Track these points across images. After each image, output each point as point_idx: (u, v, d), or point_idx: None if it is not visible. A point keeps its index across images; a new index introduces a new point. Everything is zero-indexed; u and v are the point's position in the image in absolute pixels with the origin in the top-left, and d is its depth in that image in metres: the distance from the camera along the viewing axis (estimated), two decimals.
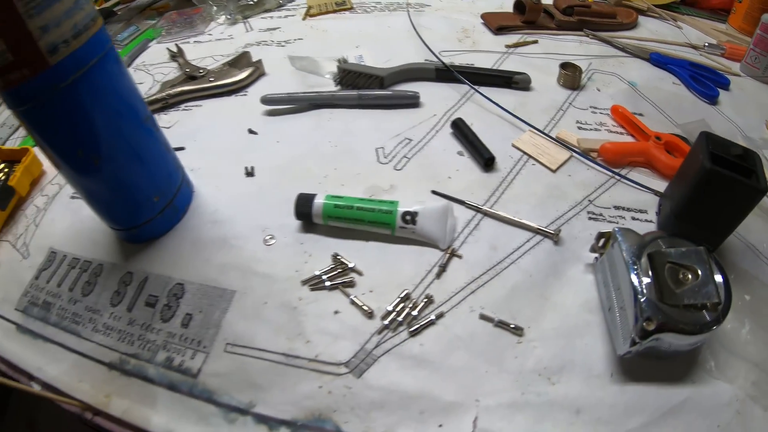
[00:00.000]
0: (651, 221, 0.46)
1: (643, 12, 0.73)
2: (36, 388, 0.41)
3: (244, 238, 0.46)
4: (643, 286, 0.35)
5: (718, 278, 0.36)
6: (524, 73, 0.57)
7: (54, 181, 0.59)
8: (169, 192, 0.47)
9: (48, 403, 0.41)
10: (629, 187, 0.49)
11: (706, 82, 0.61)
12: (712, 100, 0.60)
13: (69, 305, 0.45)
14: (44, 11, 0.32)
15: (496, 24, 0.67)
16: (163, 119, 0.59)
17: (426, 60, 0.61)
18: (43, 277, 0.47)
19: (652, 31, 0.70)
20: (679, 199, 0.42)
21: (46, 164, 0.61)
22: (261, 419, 0.36)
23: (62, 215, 0.52)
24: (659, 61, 0.63)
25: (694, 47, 0.67)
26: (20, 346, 0.43)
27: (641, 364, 0.37)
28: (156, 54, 0.72)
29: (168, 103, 0.60)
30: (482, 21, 0.69)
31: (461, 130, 0.51)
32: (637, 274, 0.36)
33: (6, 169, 0.58)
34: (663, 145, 0.51)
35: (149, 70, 0.68)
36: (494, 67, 0.61)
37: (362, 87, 0.57)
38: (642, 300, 0.35)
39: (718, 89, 0.60)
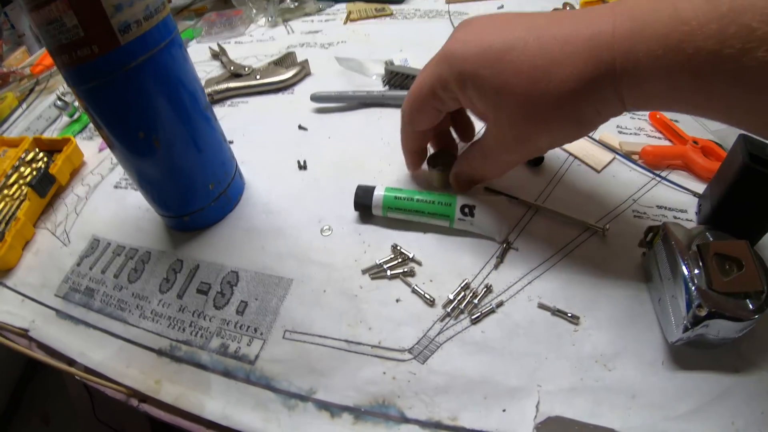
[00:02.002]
0: (691, 220, 0.47)
1: None
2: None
3: (300, 228, 0.46)
4: (694, 275, 0.36)
5: (760, 269, 0.37)
6: None
7: (96, 171, 0.59)
8: (224, 181, 0.47)
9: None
10: (669, 188, 0.50)
11: None
12: None
13: (114, 291, 0.44)
14: None
15: None
16: None
17: None
18: (85, 264, 0.47)
19: None
20: (718, 198, 0.43)
21: (87, 155, 0.61)
22: (322, 405, 0.36)
23: (105, 204, 0.52)
24: None
25: None
26: (61, 331, 0.43)
27: (689, 353, 0.37)
28: (197, 53, 0.73)
29: (213, 98, 0.61)
30: None
31: None
32: (687, 265, 0.37)
33: (45, 159, 0.58)
34: (700, 149, 0.52)
35: None
36: None
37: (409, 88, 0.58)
38: (693, 288, 0.35)
39: None
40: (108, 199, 0.53)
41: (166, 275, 0.44)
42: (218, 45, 0.70)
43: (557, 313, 0.39)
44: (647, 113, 0.57)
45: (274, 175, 0.51)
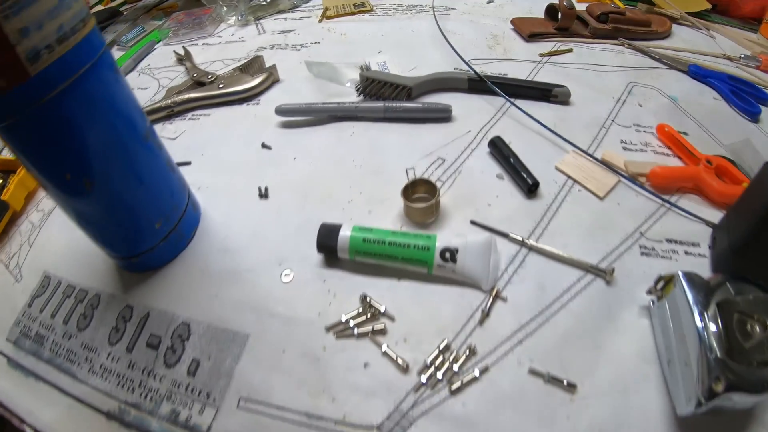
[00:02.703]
0: (704, 255, 0.40)
1: (675, 20, 0.66)
2: None
3: (258, 271, 0.39)
4: (712, 341, 0.30)
5: None
6: (563, 86, 0.51)
7: None
8: (174, 216, 0.40)
9: None
10: (680, 216, 0.43)
11: (746, 98, 0.54)
12: (754, 117, 0.53)
13: (63, 340, 0.39)
14: (22, 11, 0.26)
15: (527, 30, 0.59)
16: (167, 129, 0.52)
17: (456, 69, 0.54)
18: (36, 305, 0.41)
19: (686, 40, 0.63)
20: (739, 234, 0.36)
21: None
22: None
23: (58, 234, 0.45)
24: (698, 73, 0.57)
25: (730, 59, 0.60)
26: (11, 384, 0.38)
27: (702, 422, 0.31)
28: (162, 57, 0.65)
29: (173, 111, 0.53)
30: (512, 27, 0.62)
31: (500, 150, 0.45)
32: (704, 327, 0.30)
33: (0, 181, 0.51)
34: (714, 170, 0.45)
35: (155, 74, 0.61)
36: (529, 78, 0.54)
37: (387, 98, 0.51)
38: (711, 357, 0.29)
39: (760, 105, 0.54)
40: (61, 227, 0.47)
41: (116, 324, 0.39)
42: (183, 48, 0.62)
43: (551, 380, 0.33)
44: (654, 127, 0.49)
45: (233, 205, 0.44)
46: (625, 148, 0.48)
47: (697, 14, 0.67)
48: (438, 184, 0.43)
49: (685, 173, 0.45)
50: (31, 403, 0.36)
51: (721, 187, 0.44)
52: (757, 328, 0.30)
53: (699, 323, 0.31)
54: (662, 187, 0.45)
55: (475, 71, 0.52)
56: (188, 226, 0.42)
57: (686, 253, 0.40)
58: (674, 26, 0.65)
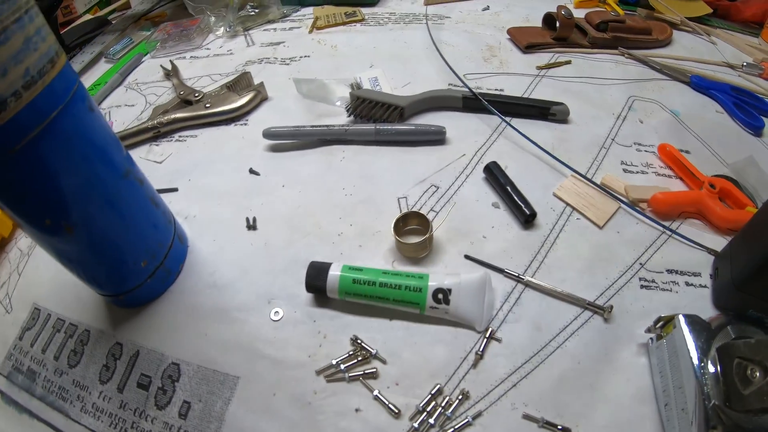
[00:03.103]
0: (705, 286, 0.38)
1: (676, 26, 0.63)
2: None
3: (248, 309, 0.38)
4: (710, 387, 0.29)
5: None
6: (562, 103, 0.48)
7: None
8: (160, 253, 0.39)
9: None
10: (681, 244, 0.41)
11: (749, 110, 0.52)
12: (757, 131, 0.51)
13: (55, 377, 0.38)
14: None
15: (524, 41, 0.57)
16: (154, 151, 0.50)
17: (450, 84, 0.52)
18: (27, 338, 0.41)
19: (688, 48, 0.61)
20: (742, 266, 0.34)
21: None
22: None
23: (46, 263, 0.44)
24: (700, 85, 0.54)
25: (732, 67, 0.58)
26: (6, 420, 0.37)
27: None
28: (150, 70, 0.62)
29: (160, 132, 0.51)
30: (508, 37, 0.59)
31: (496, 177, 0.43)
32: (702, 374, 0.29)
33: None
34: (717, 193, 0.43)
35: (142, 90, 0.59)
36: (526, 94, 0.51)
37: (379, 119, 0.48)
38: (708, 405, 0.28)
39: (763, 118, 0.51)
40: (50, 257, 0.45)
41: (106, 361, 0.38)
42: (171, 62, 0.59)
43: (546, 425, 0.31)
44: (656, 146, 0.47)
45: (221, 236, 0.43)
46: (625, 170, 0.46)
47: (697, 19, 0.64)
48: (431, 215, 0.41)
49: (688, 198, 0.43)
50: None
51: (724, 212, 0.42)
52: (758, 374, 0.28)
53: (698, 370, 0.29)
54: (664, 213, 0.43)
55: (469, 88, 0.49)
56: (175, 260, 0.41)
57: (687, 284, 0.39)
58: (675, 33, 0.62)
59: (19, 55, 0.26)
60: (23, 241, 0.48)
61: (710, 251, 0.40)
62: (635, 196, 0.43)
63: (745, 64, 0.58)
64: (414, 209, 0.39)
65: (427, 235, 0.37)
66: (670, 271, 0.39)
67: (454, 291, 0.35)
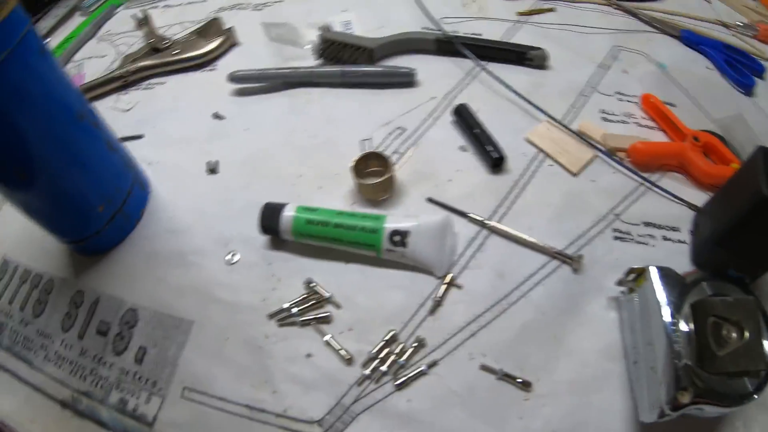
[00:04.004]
0: (684, 242, 0.35)
1: None
2: None
3: (204, 253, 0.36)
4: (682, 347, 0.26)
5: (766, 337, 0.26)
6: (540, 48, 0.44)
7: None
8: (118, 198, 0.36)
9: None
10: (660, 197, 0.38)
11: (741, 69, 0.48)
12: (748, 90, 0.47)
13: (20, 327, 0.37)
14: None
15: None
16: (122, 100, 0.47)
17: (424, 28, 0.47)
18: None
19: (681, 3, 0.56)
20: (723, 223, 0.32)
21: None
22: None
23: (14, 216, 0.41)
24: (691, 40, 0.50)
25: (726, 25, 0.53)
26: None
27: (662, 427, 0.27)
28: (122, 22, 0.59)
29: (128, 80, 0.47)
30: None
31: (465, 120, 0.39)
32: (674, 331, 0.27)
33: None
34: (701, 147, 0.39)
35: (113, 41, 0.55)
36: (505, 40, 0.47)
37: (347, 61, 0.44)
38: (679, 364, 0.26)
39: (755, 78, 0.47)
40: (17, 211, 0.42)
41: (68, 309, 0.36)
42: (143, 12, 0.55)
43: (504, 377, 0.29)
44: (639, 96, 0.43)
45: (181, 182, 0.40)
46: (605, 119, 0.42)
47: None
48: (394, 158, 0.38)
49: (669, 150, 0.40)
50: None
51: (707, 167, 0.39)
52: (734, 334, 0.26)
53: (669, 327, 0.27)
54: (643, 164, 0.39)
55: (443, 30, 0.45)
56: (135, 206, 0.38)
57: (665, 238, 0.36)
58: None
59: None
60: None
61: (691, 206, 0.37)
62: (613, 144, 0.39)
63: (739, 23, 0.54)
64: (379, 151, 0.36)
65: (386, 176, 0.34)
66: (647, 224, 0.36)
67: (412, 233, 0.31)
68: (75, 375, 0.34)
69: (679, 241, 0.35)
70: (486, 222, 0.34)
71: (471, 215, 0.34)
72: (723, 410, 0.26)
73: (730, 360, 0.25)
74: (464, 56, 0.44)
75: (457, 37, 0.45)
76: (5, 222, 0.42)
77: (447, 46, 0.45)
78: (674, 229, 0.36)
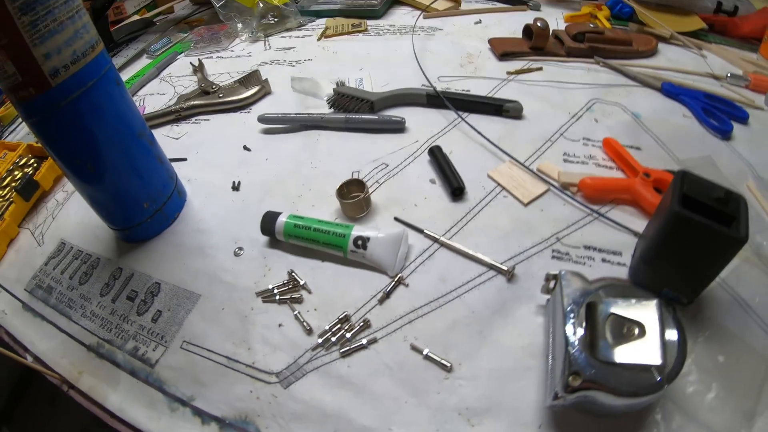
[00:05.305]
0: (624, 264, 0.43)
1: (665, 40, 0.67)
2: (29, 360, 0.47)
3: (218, 247, 0.50)
4: (576, 337, 0.33)
5: (672, 336, 0.33)
6: (515, 101, 0.56)
7: None
8: (160, 199, 0.52)
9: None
10: (607, 227, 0.46)
11: (720, 116, 0.55)
12: (725, 135, 0.54)
13: (67, 291, 0.51)
14: (47, 41, 0.38)
15: (501, 49, 0.65)
16: (174, 130, 0.66)
17: (424, 85, 0.61)
18: (51, 264, 0.54)
19: (672, 59, 0.65)
20: (648, 242, 0.38)
21: None
22: (197, 412, 0.40)
23: (76, 211, 0.59)
24: (671, 91, 0.58)
25: (716, 78, 0.61)
26: (22, 322, 0.50)
27: (578, 420, 0.35)
28: (182, 67, 0.79)
29: (181, 115, 0.66)
30: (489, 46, 0.68)
31: (437, 158, 0.51)
32: (573, 323, 0.34)
33: (35, 164, 0.66)
34: (651, 182, 0.47)
35: (173, 82, 0.76)
36: (490, 94, 0.59)
37: (353, 110, 0.59)
38: (572, 352, 0.32)
39: (733, 123, 0.54)
40: (79, 206, 0.61)
41: (108, 280, 0.51)
42: (198, 60, 0.76)
43: (428, 357, 0.38)
44: (601, 140, 0.52)
45: (212, 195, 0.55)
46: (566, 160, 0.52)
47: (692, 34, 0.68)
48: (375, 185, 0.51)
49: (618, 184, 0.48)
50: (34, 337, 0.48)
51: (655, 199, 0.46)
52: (635, 331, 0.32)
53: (568, 320, 0.33)
54: (594, 197, 0.48)
55: (433, 87, 0.58)
56: (172, 209, 0.54)
57: (603, 260, 0.44)
58: (662, 46, 0.67)
59: (70, 41, 0.40)
60: (60, 194, 0.64)
61: (636, 234, 0.45)
62: (565, 179, 0.49)
63: (729, 75, 0.61)
64: (360, 179, 0.49)
65: (362, 196, 0.47)
66: (587, 248, 0.44)
67: (372, 240, 0.43)
68: (103, 328, 0.46)
69: (619, 264, 0.43)
70: (438, 238, 0.45)
71: (426, 231, 0.46)
72: (621, 400, 0.31)
73: (623, 353, 0.31)
74: (449, 108, 0.57)
75: (444, 92, 0.58)
76: (67, 214, 0.58)
77: (436, 100, 0.58)
78: (615, 253, 0.44)
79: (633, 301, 0.34)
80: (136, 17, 0.93)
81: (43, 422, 0.87)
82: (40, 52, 0.38)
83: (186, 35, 0.85)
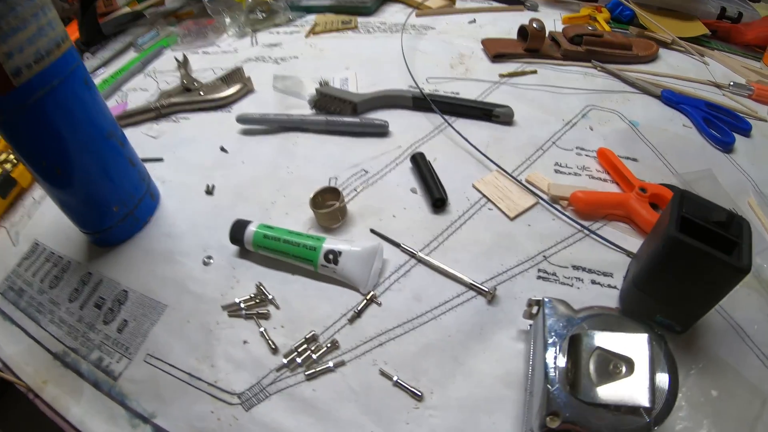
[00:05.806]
0: (614, 287, 0.40)
1: (666, 45, 0.64)
2: None
3: (188, 254, 0.47)
4: (557, 373, 0.30)
5: (662, 374, 0.30)
6: (506, 106, 0.53)
7: None
8: (130, 203, 0.49)
9: None
10: (599, 245, 0.43)
11: (721, 126, 0.53)
12: (726, 147, 0.51)
13: (37, 294, 0.49)
14: (9, 39, 0.35)
15: (494, 51, 0.62)
16: (153, 128, 0.63)
17: (411, 86, 0.59)
18: (24, 266, 0.52)
19: (673, 66, 0.62)
20: (642, 266, 0.36)
21: None
22: (157, 430, 0.37)
23: (50, 210, 0.56)
24: (671, 99, 0.55)
25: (718, 86, 0.58)
26: None
27: None
28: (168, 62, 0.77)
29: (161, 113, 0.63)
30: (482, 47, 0.65)
31: (419, 166, 0.48)
32: (555, 357, 0.31)
33: (14, 161, 0.63)
34: (648, 198, 0.45)
35: (157, 77, 0.73)
36: (480, 98, 0.56)
37: (335, 112, 0.56)
38: (552, 390, 0.29)
39: (735, 135, 0.52)
40: (53, 205, 0.58)
41: (77, 285, 0.49)
42: (183, 55, 0.73)
43: (398, 384, 0.36)
44: (596, 150, 0.49)
45: (185, 198, 0.53)
46: (557, 171, 0.49)
47: (694, 40, 0.65)
48: (352, 193, 0.48)
49: (612, 200, 0.46)
50: (2, 340, 0.46)
51: (651, 216, 0.43)
52: (623, 369, 0.29)
53: (548, 353, 0.31)
54: (585, 212, 0.45)
55: (419, 89, 0.56)
56: (144, 212, 0.51)
57: (593, 282, 0.41)
58: (663, 51, 0.64)
59: (33, 39, 0.37)
60: (38, 192, 0.61)
61: (629, 254, 0.42)
62: (555, 193, 0.46)
63: (732, 83, 0.58)
64: (336, 186, 0.46)
65: (337, 206, 0.44)
66: (576, 267, 0.42)
67: (344, 254, 0.41)
68: (70, 335, 0.44)
69: (609, 286, 0.40)
70: (416, 253, 0.42)
71: (403, 246, 0.43)
72: None
73: (607, 393, 0.28)
74: (436, 112, 0.54)
75: (430, 95, 0.55)
76: (42, 215, 0.56)
77: (422, 102, 0.56)
78: (606, 274, 0.41)
79: (622, 334, 0.30)
80: (127, 9, 0.91)
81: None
82: (1, 50, 0.35)
83: (173, 29, 0.82)
